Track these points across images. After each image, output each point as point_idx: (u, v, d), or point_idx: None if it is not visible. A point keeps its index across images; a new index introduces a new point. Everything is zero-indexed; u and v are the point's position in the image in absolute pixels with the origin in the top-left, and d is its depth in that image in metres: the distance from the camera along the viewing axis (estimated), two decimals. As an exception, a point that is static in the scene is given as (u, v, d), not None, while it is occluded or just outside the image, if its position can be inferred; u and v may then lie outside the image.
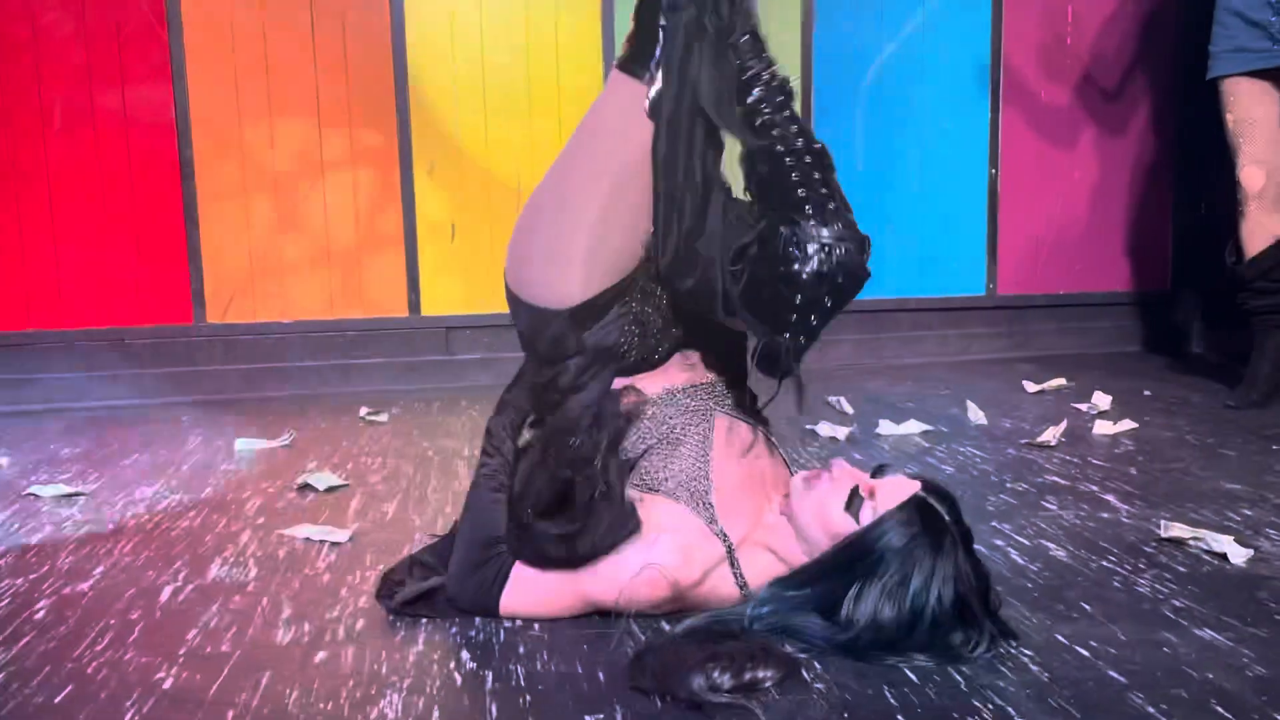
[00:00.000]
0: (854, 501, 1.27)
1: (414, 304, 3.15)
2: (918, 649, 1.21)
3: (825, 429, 2.44)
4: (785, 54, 3.20)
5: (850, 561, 1.23)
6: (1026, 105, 3.36)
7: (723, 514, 1.34)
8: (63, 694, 1.23)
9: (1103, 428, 2.41)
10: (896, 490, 1.26)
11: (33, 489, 2.09)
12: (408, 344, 3.16)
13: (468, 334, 3.18)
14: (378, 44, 3.05)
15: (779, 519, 1.36)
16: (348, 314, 3.11)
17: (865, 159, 3.29)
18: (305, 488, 2.08)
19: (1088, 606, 1.39)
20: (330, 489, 2.07)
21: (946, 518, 1.24)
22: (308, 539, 1.76)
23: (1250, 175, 2.64)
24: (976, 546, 1.58)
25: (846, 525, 1.26)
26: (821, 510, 1.29)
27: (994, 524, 1.75)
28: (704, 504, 1.34)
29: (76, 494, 2.07)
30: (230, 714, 1.16)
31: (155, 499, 2.04)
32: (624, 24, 3.05)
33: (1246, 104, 2.65)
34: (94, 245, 2.96)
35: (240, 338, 3.06)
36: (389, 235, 3.11)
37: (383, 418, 2.71)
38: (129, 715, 1.17)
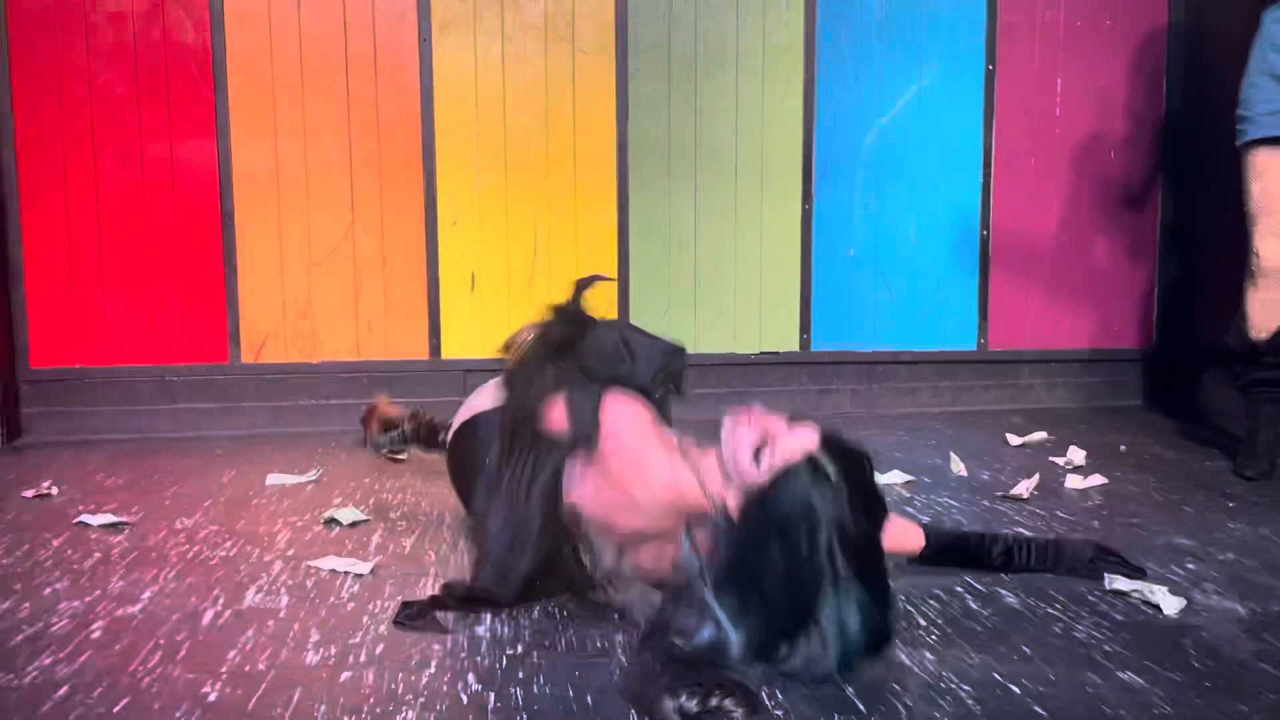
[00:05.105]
0: (759, 453, 1.43)
1: (434, 348, 3.35)
2: (811, 619, 1.35)
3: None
4: (788, 121, 3.41)
5: (752, 525, 1.38)
6: (1017, 171, 3.55)
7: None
8: (120, 704, 1.41)
9: (1074, 482, 2.57)
10: (794, 444, 1.40)
11: (83, 518, 2.28)
12: (428, 385, 3.36)
13: (485, 377, 3.37)
14: (408, 105, 3.27)
15: (711, 458, 1.51)
16: (373, 356, 3.32)
17: (863, 220, 3.48)
18: (331, 522, 2.27)
19: (1027, 649, 1.56)
20: (353, 524, 2.26)
21: (836, 478, 1.36)
22: (333, 570, 1.95)
23: (1270, 248, 2.55)
24: (934, 589, 1.76)
25: (750, 473, 1.41)
26: (736, 455, 1.45)
27: (957, 572, 1.91)
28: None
29: (122, 523, 2.27)
30: (267, 724, 1.35)
31: (194, 529, 2.23)
32: (636, 90, 3.27)
33: (1274, 173, 2.54)
34: (139, 289, 3.19)
35: (272, 377, 3.26)
36: (413, 283, 3.32)
37: (403, 455, 2.90)
38: (179, 723, 1.35)
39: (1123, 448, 2.96)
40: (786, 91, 3.41)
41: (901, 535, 1.84)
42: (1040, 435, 3.08)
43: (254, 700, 1.41)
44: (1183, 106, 3.57)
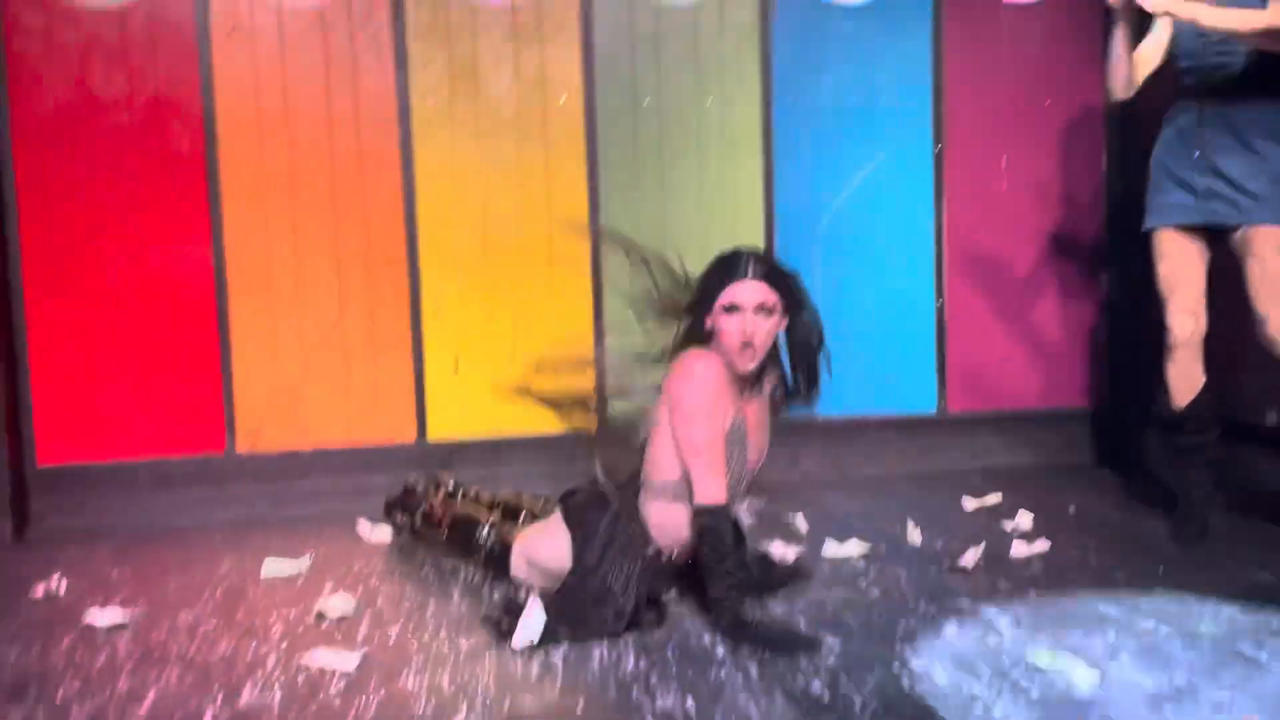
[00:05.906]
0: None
1: (421, 428, 3.53)
2: None
3: (777, 549, 2.77)
4: (748, 207, 3.62)
5: None
6: (968, 244, 3.75)
7: None
8: (130, 807, 1.58)
9: (1019, 549, 2.73)
10: None
11: (90, 620, 2.43)
12: (416, 464, 3.53)
13: (469, 453, 3.55)
14: (391, 202, 3.47)
15: None
16: (363, 440, 3.50)
17: (824, 293, 3.65)
18: (320, 616, 2.43)
19: (947, 729, 1.73)
20: (341, 618, 2.41)
21: None
22: (322, 669, 2.11)
23: (1180, 323, 2.75)
24: (875, 665, 1.92)
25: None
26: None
27: (896, 648, 2.08)
28: None
29: (126, 625, 2.42)
30: (260, 825, 1.51)
31: (195, 624, 2.39)
32: (607, 178, 3.46)
33: (1176, 256, 2.76)
34: (139, 385, 3.37)
35: (267, 464, 3.44)
36: (399, 368, 3.51)
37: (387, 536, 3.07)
38: (182, 825, 1.52)
39: (1071, 509, 3.13)
40: (749, 175, 3.62)
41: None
42: (995, 498, 3.25)
43: (249, 801, 1.58)
44: (1122, 179, 3.77)
